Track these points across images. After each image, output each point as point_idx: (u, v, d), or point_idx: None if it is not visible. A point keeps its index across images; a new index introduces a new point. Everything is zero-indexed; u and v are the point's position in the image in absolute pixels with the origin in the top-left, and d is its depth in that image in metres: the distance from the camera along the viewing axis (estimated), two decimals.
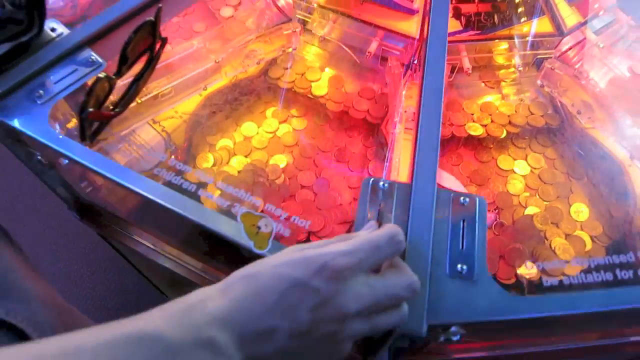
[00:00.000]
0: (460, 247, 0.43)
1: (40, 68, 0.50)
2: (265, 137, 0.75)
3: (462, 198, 0.45)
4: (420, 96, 0.56)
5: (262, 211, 0.65)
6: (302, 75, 0.79)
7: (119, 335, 0.30)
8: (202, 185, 0.68)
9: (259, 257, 0.44)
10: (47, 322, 0.52)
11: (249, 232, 0.44)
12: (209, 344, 0.31)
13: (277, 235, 0.45)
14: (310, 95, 0.78)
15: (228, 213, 0.47)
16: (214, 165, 0.72)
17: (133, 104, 0.62)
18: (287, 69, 0.79)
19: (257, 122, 0.76)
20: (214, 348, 0.31)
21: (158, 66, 0.68)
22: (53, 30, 0.54)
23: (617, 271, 0.45)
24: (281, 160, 0.73)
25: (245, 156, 0.73)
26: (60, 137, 0.48)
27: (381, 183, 0.46)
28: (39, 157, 0.54)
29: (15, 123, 0.47)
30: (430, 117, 0.50)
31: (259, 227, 0.45)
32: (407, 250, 0.42)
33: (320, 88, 0.78)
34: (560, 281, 0.47)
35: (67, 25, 0.75)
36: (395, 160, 0.69)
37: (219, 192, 0.67)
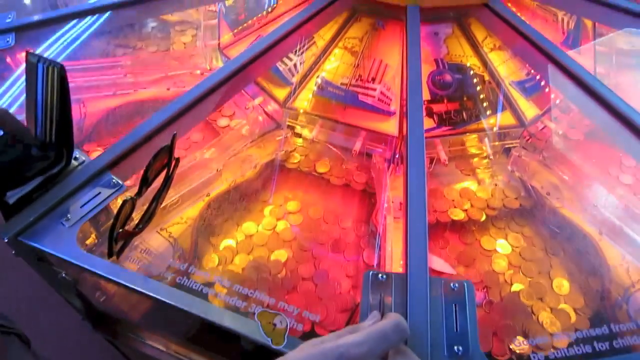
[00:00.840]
0: (455, 329, 0.48)
1: (66, 194, 0.57)
2: (265, 235, 0.81)
3: (452, 284, 0.51)
4: (406, 191, 0.63)
5: (267, 306, 0.70)
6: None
7: None
8: (209, 284, 0.73)
9: (273, 352, 0.48)
10: None
11: (266, 330, 0.49)
12: None
13: (291, 330, 0.50)
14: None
15: (243, 312, 0.51)
16: (218, 265, 0.77)
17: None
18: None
19: (256, 221, 0.82)
20: None
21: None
22: (76, 158, 0.61)
23: (595, 344, 0.50)
24: (281, 255, 0.78)
25: (248, 254, 0.78)
26: (86, 255, 0.53)
27: (380, 275, 0.52)
28: (64, 275, 0.58)
29: (46, 247, 0.53)
30: (417, 210, 0.56)
31: (274, 325, 0.49)
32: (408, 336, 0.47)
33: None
34: (546, 356, 0.51)
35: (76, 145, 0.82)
36: (388, 249, 0.75)
37: (225, 290, 0.72)
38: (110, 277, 0.52)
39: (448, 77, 0.88)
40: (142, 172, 0.57)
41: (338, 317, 0.72)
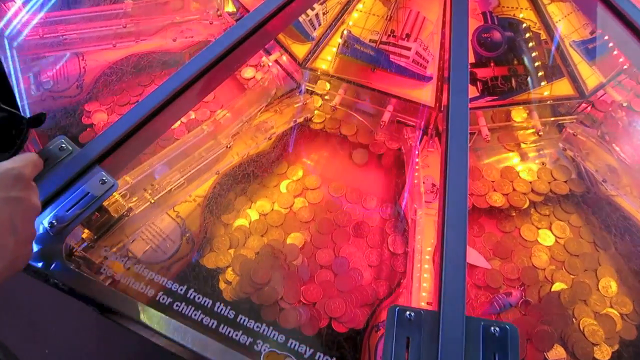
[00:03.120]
0: None
1: (50, 195, 0.50)
2: (280, 214, 0.74)
3: (492, 328, 0.44)
4: (444, 179, 0.54)
5: (282, 298, 0.65)
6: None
7: None
8: (219, 270, 0.67)
9: None
10: None
11: None
12: None
13: None
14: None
15: (252, 349, 0.46)
16: (230, 248, 0.71)
17: (147, 203, 0.62)
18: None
19: (271, 198, 0.75)
20: None
21: (171, 155, 0.67)
22: (61, 149, 0.53)
23: None
24: (298, 238, 0.72)
25: (262, 236, 0.72)
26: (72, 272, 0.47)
27: (407, 313, 0.45)
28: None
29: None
30: (456, 240, 0.48)
31: None
32: None
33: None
34: None
35: (75, 105, 0.74)
36: (417, 238, 0.67)
37: (237, 278, 0.67)
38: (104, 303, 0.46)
39: (497, 35, 0.75)
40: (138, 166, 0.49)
41: (358, 313, 0.66)
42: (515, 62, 0.74)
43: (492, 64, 0.74)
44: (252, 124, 0.76)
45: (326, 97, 0.79)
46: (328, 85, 0.78)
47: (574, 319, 0.64)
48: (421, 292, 0.62)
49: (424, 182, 0.72)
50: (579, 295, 0.65)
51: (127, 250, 0.65)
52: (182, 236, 0.69)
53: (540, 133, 0.74)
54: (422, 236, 0.67)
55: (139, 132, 0.55)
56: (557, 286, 0.66)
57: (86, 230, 0.56)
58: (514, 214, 0.73)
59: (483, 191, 0.73)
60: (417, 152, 0.73)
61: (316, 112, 0.80)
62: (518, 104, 0.73)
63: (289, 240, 0.72)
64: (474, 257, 0.69)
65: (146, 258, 0.65)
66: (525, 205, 0.72)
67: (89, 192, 0.51)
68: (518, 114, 0.77)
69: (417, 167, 0.69)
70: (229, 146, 0.70)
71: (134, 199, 0.62)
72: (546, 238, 0.70)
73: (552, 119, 0.73)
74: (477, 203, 0.72)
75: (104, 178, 0.51)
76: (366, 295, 0.67)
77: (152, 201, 0.62)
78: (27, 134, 0.53)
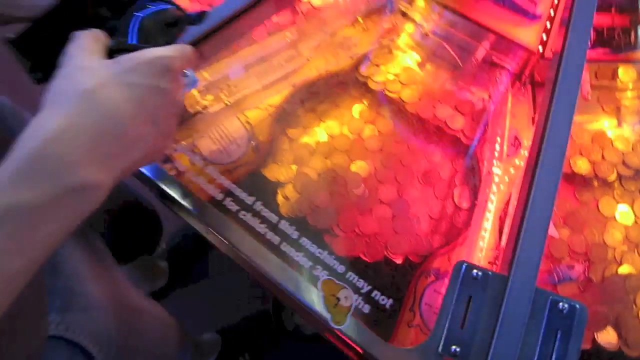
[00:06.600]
0: None
1: None
2: (348, 139, 0.71)
3: (561, 303, 0.42)
4: (541, 139, 0.50)
5: (338, 225, 0.64)
6: (396, 76, 0.73)
7: None
8: (280, 184, 0.67)
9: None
10: (108, 330, 0.54)
11: (328, 303, 0.43)
12: None
13: (356, 310, 0.44)
14: (400, 101, 0.72)
15: (310, 274, 0.45)
16: (292, 163, 0.69)
17: (222, 104, 0.60)
18: (378, 65, 0.73)
19: (341, 120, 0.72)
20: None
21: (249, 59, 0.64)
22: None
23: None
24: (362, 168, 0.69)
25: (326, 157, 0.70)
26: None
27: (474, 271, 0.43)
28: None
29: None
30: (543, 208, 0.44)
31: (338, 299, 0.43)
32: (490, 357, 0.40)
33: (412, 95, 0.72)
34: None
35: None
36: (485, 191, 0.64)
37: (297, 196, 0.66)
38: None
39: None
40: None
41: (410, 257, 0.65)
42: None
43: (613, 10, 0.65)
44: (334, 39, 0.72)
45: (416, 16, 0.72)
46: (422, 4, 0.72)
47: (634, 306, 0.61)
48: (479, 251, 0.60)
49: (507, 132, 0.67)
50: None
51: (194, 146, 0.65)
52: (249, 142, 0.68)
53: None
54: (494, 192, 0.63)
55: (223, 29, 0.52)
56: (624, 268, 0.63)
57: None
58: (595, 184, 0.67)
59: (569, 153, 0.67)
60: (507, 100, 0.67)
61: (404, 35, 0.74)
62: (632, 61, 0.65)
63: (353, 168, 0.70)
64: None
65: (211, 157, 0.65)
66: (612, 178, 0.66)
67: None
68: (627, 74, 0.69)
69: (506, 116, 0.64)
70: (309, 59, 0.66)
71: (209, 97, 0.61)
72: (626, 216, 0.65)
73: None
74: None
75: (187, 71, 0.49)
76: (421, 245, 0.65)
77: (228, 103, 0.61)
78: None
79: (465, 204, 0.65)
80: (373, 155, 0.70)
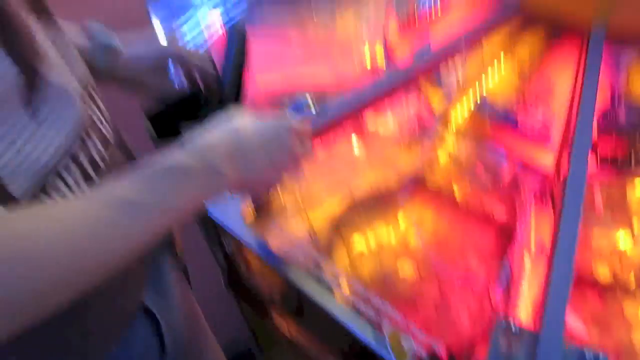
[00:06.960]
0: None
1: None
2: (394, 241, 0.82)
3: (588, 354, 0.49)
4: (554, 242, 0.61)
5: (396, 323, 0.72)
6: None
7: None
8: (337, 280, 0.76)
9: None
10: (178, 328, 0.68)
11: (394, 350, 0.53)
12: None
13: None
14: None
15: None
16: (349, 264, 0.80)
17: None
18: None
19: (389, 224, 0.83)
20: None
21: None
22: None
23: None
24: (406, 268, 0.79)
25: (376, 259, 0.81)
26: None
27: (513, 327, 0.52)
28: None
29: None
30: (563, 264, 0.54)
31: (402, 346, 0.53)
32: None
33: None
34: None
35: None
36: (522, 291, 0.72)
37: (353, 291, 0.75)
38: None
39: (622, 120, 0.80)
40: None
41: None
42: None
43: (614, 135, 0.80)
44: (383, 158, 0.87)
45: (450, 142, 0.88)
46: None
47: None
48: None
49: (534, 240, 0.77)
50: None
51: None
52: (312, 244, 0.79)
53: None
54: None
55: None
56: None
57: None
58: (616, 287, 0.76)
59: (588, 262, 0.77)
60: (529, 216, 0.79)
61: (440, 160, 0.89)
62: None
63: (399, 266, 0.79)
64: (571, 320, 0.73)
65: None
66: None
67: None
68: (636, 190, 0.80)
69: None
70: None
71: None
72: None
73: None
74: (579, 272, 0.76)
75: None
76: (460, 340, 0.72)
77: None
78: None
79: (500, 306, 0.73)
80: (416, 255, 0.80)
